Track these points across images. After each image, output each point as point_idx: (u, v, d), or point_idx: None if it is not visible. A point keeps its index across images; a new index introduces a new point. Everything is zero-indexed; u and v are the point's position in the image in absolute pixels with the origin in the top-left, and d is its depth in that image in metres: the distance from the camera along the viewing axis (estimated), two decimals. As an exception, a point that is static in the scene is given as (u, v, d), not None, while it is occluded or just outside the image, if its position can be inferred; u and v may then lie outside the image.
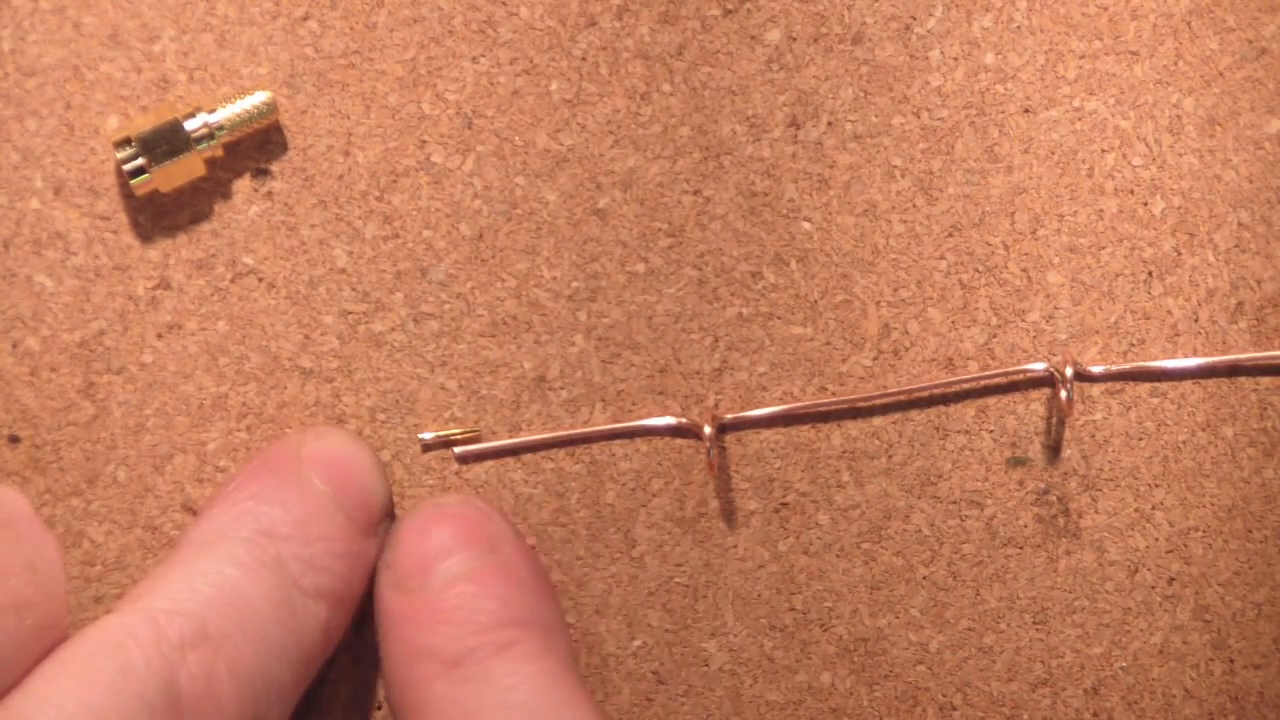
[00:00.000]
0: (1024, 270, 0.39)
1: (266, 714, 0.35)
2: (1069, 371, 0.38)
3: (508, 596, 0.35)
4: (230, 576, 0.35)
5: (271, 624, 0.35)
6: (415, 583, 0.36)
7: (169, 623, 0.33)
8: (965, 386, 0.39)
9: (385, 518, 0.38)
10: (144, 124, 0.37)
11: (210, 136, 0.38)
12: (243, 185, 0.39)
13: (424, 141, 0.39)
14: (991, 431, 0.40)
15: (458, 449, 0.39)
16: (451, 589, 0.35)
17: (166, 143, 0.37)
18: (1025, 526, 0.40)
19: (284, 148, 0.39)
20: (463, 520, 0.37)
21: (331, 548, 0.36)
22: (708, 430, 0.39)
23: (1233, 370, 0.39)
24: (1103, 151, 0.39)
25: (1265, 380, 0.39)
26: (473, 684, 0.34)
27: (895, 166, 0.39)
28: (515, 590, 0.36)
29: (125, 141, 0.37)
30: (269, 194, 0.39)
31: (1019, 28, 0.39)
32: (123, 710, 0.32)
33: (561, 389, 0.39)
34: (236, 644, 0.34)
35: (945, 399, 0.40)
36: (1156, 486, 0.39)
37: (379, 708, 0.39)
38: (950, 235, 0.39)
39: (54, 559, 0.38)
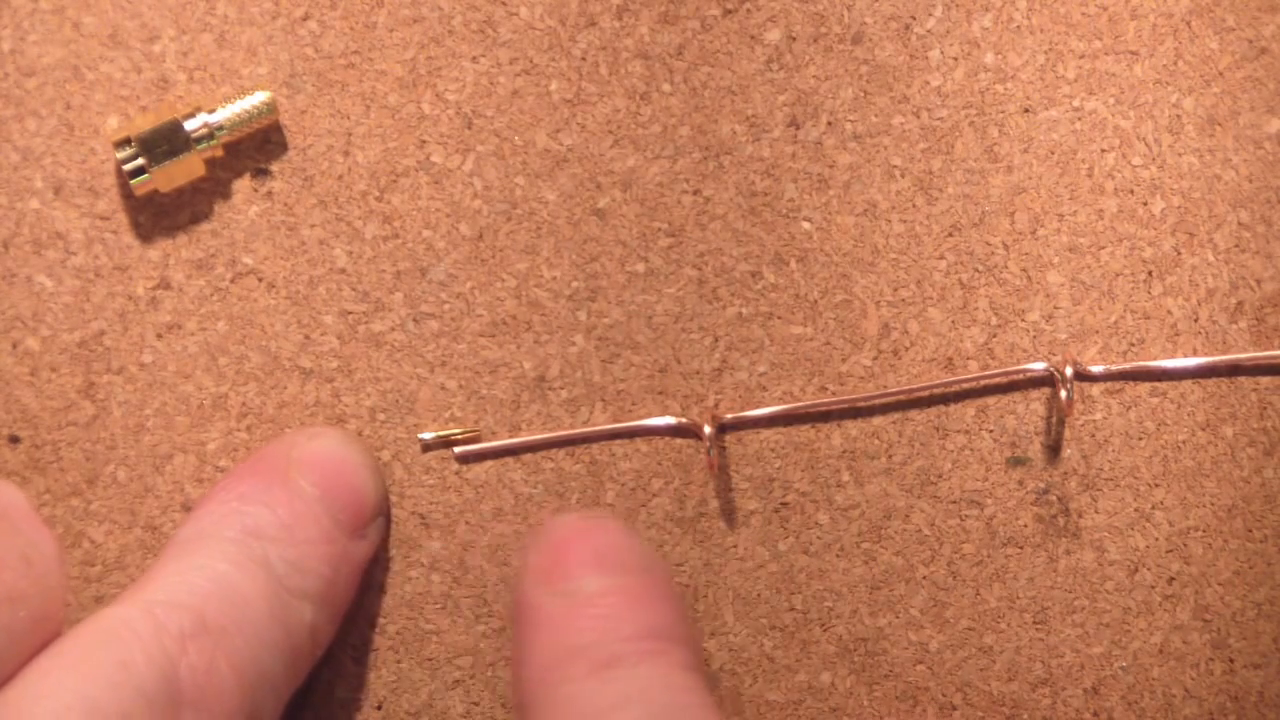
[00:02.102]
0: (1024, 270, 0.39)
1: (262, 706, 0.35)
2: (1069, 371, 0.38)
3: (657, 611, 0.36)
4: (224, 572, 0.35)
5: (265, 617, 0.35)
6: (569, 587, 0.36)
7: (167, 615, 0.33)
8: (965, 386, 0.39)
9: (376, 520, 0.38)
10: (144, 124, 0.37)
11: (210, 136, 0.38)
12: (243, 185, 0.39)
13: (424, 141, 0.39)
14: (991, 431, 0.40)
15: (458, 449, 0.39)
16: (605, 598, 0.36)
17: (166, 143, 0.37)
18: (1025, 526, 0.40)
19: (284, 148, 0.39)
20: (615, 535, 0.37)
21: (317, 550, 0.36)
22: (708, 430, 0.39)
23: (1233, 370, 0.39)
24: (1103, 151, 0.39)
25: (1265, 380, 0.39)
26: (621, 682, 0.34)
27: (895, 166, 0.39)
28: (664, 607, 0.36)
29: (125, 141, 0.37)
30: (269, 194, 0.39)
31: (1019, 28, 0.39)
32: (121, 703, 0.32)
33: (561, 389, 0.39)
34: (233, 637, 0.34)
35: (945, 399, 0.40)
36: (1156, 486, 0.39)
37: (378, 707, 0.39)
38: (950, 235, 0.39)
39: (49, 553, 0.38)
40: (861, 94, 0.39)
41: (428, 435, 0.39)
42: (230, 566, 0.35)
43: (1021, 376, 0.39)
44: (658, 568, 0.37)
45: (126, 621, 0.33)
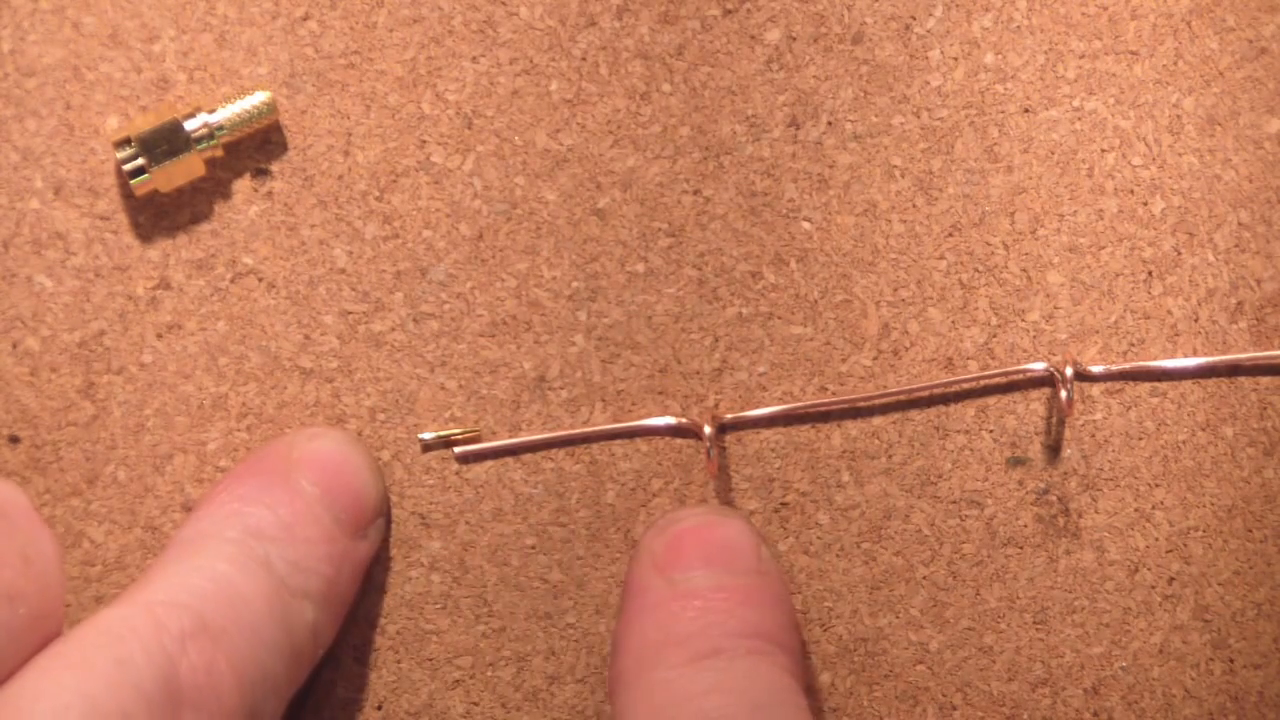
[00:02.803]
0: (1024, 270, 0.39)
1: (263, 707, 0.35)
2: (1069, 371, 0.38)
3: (765, 614, 0.36)
4: (224, 572, 0.35)
5: (265, 618, 0.35)
6: (682, 575, 0.36)
7: (167, 615, 0.33)
8: (965, 386, 0.39)
9: (377, 519, 0.38)
10: (144, 124, 0.37)
11: (210, 136, 0.38)
12: (243, 185, 0.39)
13: (424, 141, 0.39)
14: (991, 431, 0.40)
15: (458, 449, 0.39)
16: (719, 592, 0.36)
17: (166, 143, 0.37)
18: (1025, 526, 0.40)
19: (284, 148, 0.39)
20: (736, 534, 0.37)
21: (318, 550, 0.36)
22: (708, 430, 0.39)
23: (1233, 370, 0.39)
24: (1103, 151, 0.39)
25: (1265, 380, 0.39)
26: (716, 672, 0.35)
27: (895, 166, 0.39)
28: (773, 611, 0.37)
29: (125, 141, 0.37)
30: (269, 194, 0.39)
31: (1019, 28, 0.39)
32: (120, 702, 0.31)
33: (561, 389, 0.39)
34: (233, 637, 0.34)
35: (945, 399, 0.40)
36: (1156, 486, 0.39)
37: (379, 707, 0.39)
38: (950, 235, 0.39)
39: (49, 552, 0.38)
40: (861, 94, 0.39)
41: (428, 435, 0.39)
42: (230, 567, 0.35)
43: (1021, 376, 0.39)
44: (773, 573, 0.37)
45: (126, 621, 0.33)
